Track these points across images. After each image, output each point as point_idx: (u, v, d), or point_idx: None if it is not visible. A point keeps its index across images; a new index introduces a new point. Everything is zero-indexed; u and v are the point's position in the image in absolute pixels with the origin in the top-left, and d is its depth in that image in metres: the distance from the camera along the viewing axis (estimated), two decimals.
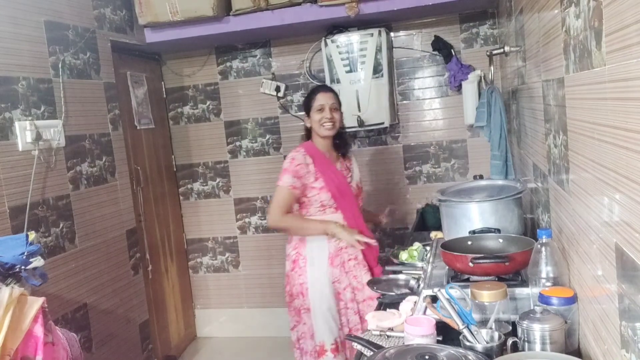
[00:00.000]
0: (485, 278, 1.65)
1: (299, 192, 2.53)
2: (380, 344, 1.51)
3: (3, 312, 1.34)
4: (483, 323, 1.42)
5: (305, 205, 2.60)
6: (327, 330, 2.56)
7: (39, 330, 1.41)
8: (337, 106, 2.63)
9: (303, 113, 2.75)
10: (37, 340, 1.40)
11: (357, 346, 1.48)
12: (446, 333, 1.45)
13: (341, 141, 2.72)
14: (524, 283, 1.57)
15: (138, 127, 3.75)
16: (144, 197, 3.74)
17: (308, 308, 2.58)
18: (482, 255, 1.62)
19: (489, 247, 1.82)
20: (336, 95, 2.66)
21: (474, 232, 1.93)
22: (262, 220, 4.14)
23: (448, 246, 1.78)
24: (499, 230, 1.92)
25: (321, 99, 2.58)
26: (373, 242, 2.58)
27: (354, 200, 2.66)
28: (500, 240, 1.82)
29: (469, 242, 1.85)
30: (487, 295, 1.41)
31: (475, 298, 1.43)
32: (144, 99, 3.86)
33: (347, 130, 3.71)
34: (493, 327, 1.37)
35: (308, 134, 2.71)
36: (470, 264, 1.59)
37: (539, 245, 1.45)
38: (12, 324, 1.36)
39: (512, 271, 1.62)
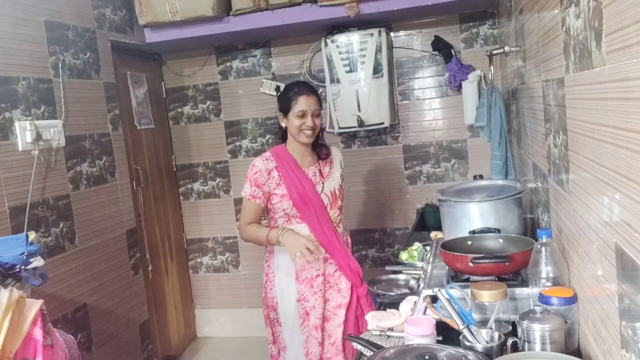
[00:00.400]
0: (486, 278, 1.65)
1: (260, 201, 2.37)
2: (380, 344, 1.51)
3: (2, 315, 1.34)
4: (483, 323, 1.42)
5: (272, 214, 2.44)
6: (296, 348, 2.40)
7: (38, 333, 1.41)
8: (319, 111, 2.38)
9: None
10: (36, 343, 1.40)
11: (357, 346, 1.48)
12: (446, 333, 1.45)
13: (317, 144, 2.47)
14: (524, 283, 1.57)
15: (138, 127, 3.75)
16: (144, 197, 3.74)
17: (280, 322, 2.43)
18: (482, 255, 1.62)
19: (489, 247, 1.82)
20: (319, 98, 2.41)
21: (474, 232, 1.93)
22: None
23: (448, 246, 1.78)
24: (499, 231, 1.92)
25: (303, 104, 2.33)
26: (320, 253, 2.32)
27: (322, 209, 2.39)
28: (500, 241, 1.83)
29: (469, 242, 1.85)
30: (487, 295, 1.41)
31: (475, 298, 1.43)
32: (144, 99, 3.86)
33: (347, 130, 3.72)
34: (493, 327, 1.37)
35: (284, 133, 2.47)
36: (470, 264, 1.59)
37: (539, 245, 1.45)
38: (11, 327, 1.35)
39: (512, 271, 1.62)
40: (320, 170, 2.46)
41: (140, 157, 3.74)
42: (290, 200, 2.35)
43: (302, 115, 2.33)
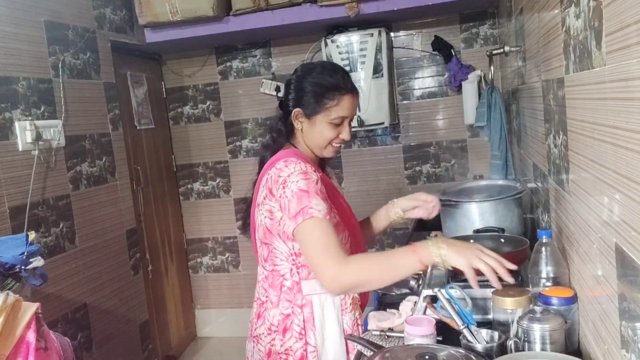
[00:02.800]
0: (486, 278, 1.65)
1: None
2: (380, 344, 1.51)
3: None
4: (504, 327, 1.39)
5: (282, 258, 1.56)
6: None
7: (31, 336, 1.41)
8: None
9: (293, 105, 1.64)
10: (29, 346, 1.40)
11: (357, 346, 1.48)
12: (446, 333, 1.45)
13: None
14: (523, 282, 1.58)
15: (138, 127, 3.75)
16: (144, 197, 3.74)
17: None
18: None
19: (489, 247, 1.81)
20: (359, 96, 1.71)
21: (477, 231, 1.94)
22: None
23: None
24: (502, 230, 1.93)
25: (347, 107, 1.58)
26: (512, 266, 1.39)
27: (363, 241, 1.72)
28: (502, 240, 1.83)
29: (471, 241, 1.86)
30: (510, 302, 1.39)
31: (497, 305, 1.42)
32: (144, 99, 3.86)
33: None
34: (517, 334, 1.32)
35: (287, 132, 1.64)
36: None
37: (539, 246, 1.45)
38: (4, 330, 1.36)
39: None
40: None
41: (140, 157, 3.74)
42: (346, 230, 1.60)
43: (341, 122, 1.58)
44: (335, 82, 1.57)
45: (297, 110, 1.58)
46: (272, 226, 1.51)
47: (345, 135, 1.59)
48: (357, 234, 1.65)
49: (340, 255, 1.38)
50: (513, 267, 1.36)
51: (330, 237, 1.40)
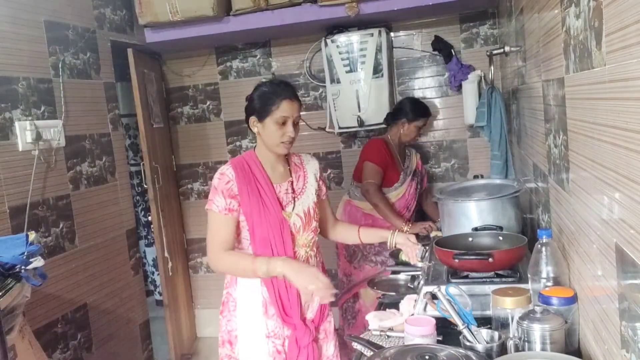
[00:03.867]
0: (486, 275, 1.66)
1: (237, 215, 1.93)
2: (380, 344, 1.51)
3: None
4: (503, 326, 1.40)
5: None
6: None
7: None
8: (299, 117, 1.99)
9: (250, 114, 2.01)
10: None
11: (357, 346, 1.48)
12: (446, 333, 1.45)
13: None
14: (522, 280, 1.59)
15: (154, 126, 3.77)
16: (161, 196, 3.78)
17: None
18: (464, 252, 1.66)
19: (488, 244, 1.83)
20: (300, 102, 2.00)
21: (476, 229, 1.95)
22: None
23: (446, 243, 1.80)
24: (501, 228, 1.93)
25: (286, 109, 1.92)
26: (333, 293, 1.80)
27: (287, 235, 1.95)
28: (501, 238, 1.84)
29: (470, 239, 1.87)
30: (509, 302, 1.40)
31: (497, 304, 1.42)
32: (155, 97, 3.86)
33: (348, 130, 3.72)
34: (516, 334, 1.33)
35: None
36: (455, 260, 1.64)
37: (539, 245, 1.46)
38: None
39: (497, 268, 1.65)
40: (292, 185, 2.06)
41: (154, 155, 3.75)
42: (247, 228, 1.95)
43: (284, 122, 1.92)
44: (274, 90, 1.96)
45: (252, 117, 1.98)
46: None
47: (289, 132, 1.93)
48: (278, 224, 1.95)
49: (218, 249, 1.90)
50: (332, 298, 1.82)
51: (219, 229, 1.92)
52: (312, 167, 2.17)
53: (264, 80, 2.15)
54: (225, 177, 1.92)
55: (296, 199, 2.02)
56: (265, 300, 1.95)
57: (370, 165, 3.09)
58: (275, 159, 2.03)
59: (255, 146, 2.06)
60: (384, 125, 3.54)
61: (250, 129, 2.02)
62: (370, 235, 2.23)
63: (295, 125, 1.96)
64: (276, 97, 1.94)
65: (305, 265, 1.90)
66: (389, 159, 3.14)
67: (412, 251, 2.06)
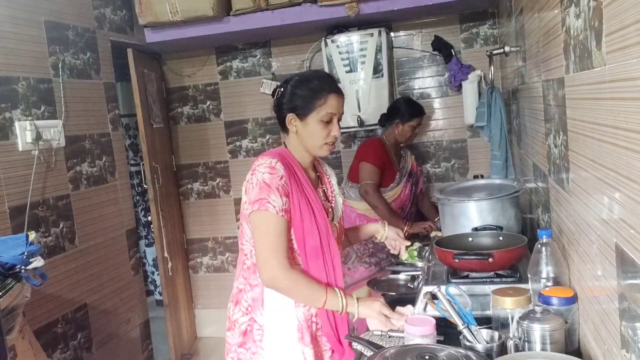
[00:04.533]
0: (485, 275, 1.66)
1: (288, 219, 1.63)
2: (381, 344, 1.51)
3: None
4: (503, 326, 1.40)
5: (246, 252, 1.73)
6: None
7: None
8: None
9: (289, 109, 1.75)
10: None
11: (357, 346, 1.48)
12: (446, 333, 1.45)
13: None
14: (522, 280, 1.59)
15: (154, 125, 3.77)
16: (161, 196, 3.77)
17: None
18: (464, 252, 1.66)
19: (488, 244, 1.83)
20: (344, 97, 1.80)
21: (476, 229, 1.95)
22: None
23: (447, 242, 1.80)
24: (501, 228, 1.93)
25: (334, 104, 1.70)
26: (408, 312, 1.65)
27: (334, 246, 1.73)
28: (501, 238, 1.84)
29: (470, 239, 1.87)
30: (509, 302, 1.40)
31: (497, 304, 1.42)
32: (155, 97, 3.86)
33: (348, 130, 3.72)
34: (516, 334, 1.33)
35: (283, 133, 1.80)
36: (455, 260, 1.64)
37: (539, 245, 1.46)
38: None
39: (497, 268, 1.65)
40: (324, 191, 1.85)
41: (153, 155, 3.75)
42: (294, 237, 1.66)
43: (330, 119, 1.70)
44: (321, 84, 1.72)
45: (290, 115, 1.72)
46: (243, 207, 1.68)
47: (335, 131, 1.71)
48: (326, 232, 1.70)
49: (284, 261, 1.58)
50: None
51: (280, 237, 1.58)
52: (332, 174, 1.95)
53: (298, 72, 2.01)
54: (277, 171, 1.61)
55: (332, 207, 1.83)
56: (300, 324, 1.66)
57: (367, 165, 3.07)
58: (309, 163, 1.79)
59: (285, 144, 1.79)
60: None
61: (284, 127, 1.76)
62: (355, 236, 2.08)
63: (338, 122, 1.75)
64: (323, 90, 1.69)
65: (378, 305, 1.63)
66: (386, 159, 3.13)
67: (403, 247, 1.98)
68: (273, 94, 1.81)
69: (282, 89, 1.76)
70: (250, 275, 1.71)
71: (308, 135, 1.71)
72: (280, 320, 1.67)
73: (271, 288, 1.62)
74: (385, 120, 3.26)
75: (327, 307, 1.62)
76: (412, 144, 3.84)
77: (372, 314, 1.62)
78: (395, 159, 3.22)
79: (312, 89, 1.70)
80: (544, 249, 1.45)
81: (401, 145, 3.30)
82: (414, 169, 3.33)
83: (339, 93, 1.73)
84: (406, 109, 3.18)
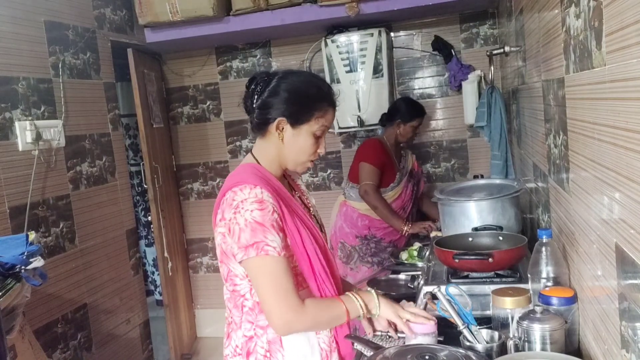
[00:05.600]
0: (485, 275, 1.66)
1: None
2: (381, 344, 1.51)
3: None
4: (503, 326, 1.40)
5: (239, 289, 1.47)
6: None
7: None
8: None
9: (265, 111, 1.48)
10: None
11: (357, 346, 1.48)
12: (447, 333, 1.45)
13: None
14: (522, 280, 1.60)
15: (154, 125, 3.77)
16: (161, 196, 3.77)
17: None
18: (464, 252, 1.66)
19: (488, 244, 1.83)
20: None
21: (476, 229, 1.95)
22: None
23: (446, 242, 1.80)
24: (501, 228, 1.94)
25: (330, 119, 1.51)
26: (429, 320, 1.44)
27: (331, 260, 1.57)
28: (500, 238, 1.84)
29: (470, 239, 1.87)
30: (509, 302, 1.40)
31: (497, 304, 1.42)
32: (155, 97, 3.86)
33: (348, 130, 3.73)
34: (516, 334, 1.32)
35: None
36: (455, 260, 1.64)
37: (539, 246, 1.46)
38: None
39: (497, 268, 1.66)
40: (300, 197, 1.64)
41: (154, 155, 3.75)
42: (310, 257, 1.47)
43: (321, 134, 1.50)
44: (325, 93, 1.50)
45: (281, 119, 1.46)
46: (226, 247, 1.43)
47: (322, 149, 1.52)
48: (324, 252, 1.52)
49: (296, 301, 1.35)
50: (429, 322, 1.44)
51: (285, 279, 1.35)
52: (293, 173, 1.67)
53: (292, 69, 1.71)
54: (267, 205, 1.37)
55: (314, 212, 1.64)
56: (325, 352, 1.50)
57: (367, 166, 3.07)
58: (280, 173, 1.56)
59: (253, 155, 1.54)
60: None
61: (262, 131, 1.50)
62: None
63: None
64: (325, 101, 1.48)
65: (400, 310, 1.47)
66: (386, 159, 3.13)
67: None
68: (249, 84, 1.51)
69: (271, 84, 1.48)
70: (256, 316, 1.46)
71: (295, 148, 1.48)
72: (305, 355, 1.47)
73: (288, 334, 1.42)
74: (387, 120, 3.25)
75: (351, 317, 1.43)
76: (412, 143, 3.84)
77: (393, 316, 1.44)
78: (395, 158, 3.22)
79: (314, 96, 1.47)
80: (543, 249, 1.45)
81: (401, 145, 3.30)
82: (415, 168, 3.33)
83: (335, 108, 1.53)
84: (407, 109, 3.18)
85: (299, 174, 1.63)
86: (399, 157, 3.27)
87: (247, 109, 1.53)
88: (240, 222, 1.35)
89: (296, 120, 1.46)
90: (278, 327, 1.38)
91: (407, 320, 1.43)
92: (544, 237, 1.45)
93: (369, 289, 1.53)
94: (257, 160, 1.52)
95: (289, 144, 1.48)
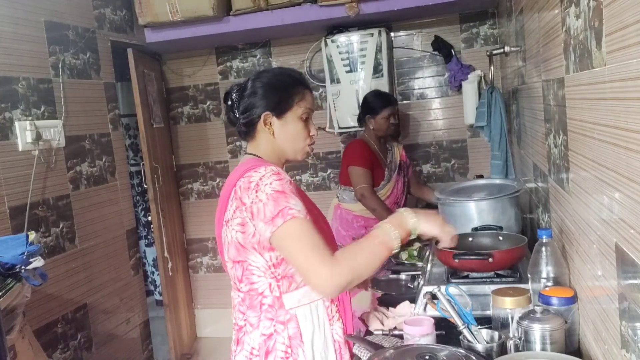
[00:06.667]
0: (485, 275, 1.66)
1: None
2: (380, 344, 1.51)
3: None
4: (503, 326, 1.40)
5: (265, 276, 1.46)
6: None
7: None
8: None
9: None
10: None
11: (357, 346, 1.48)
12: (446, 333, 1.45)
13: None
14: (522, 280, 1.60)
15: (154, 125, 3.77)
16: (161, 196, 3.77)
17: None
18: (464, 252, 1.66)
19: (488, 244, 1.83)
20: None
21: (476, 229, 1.95)
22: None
23: None
24: (501, 228, 1.94)
25: (310, 100, 1.56)
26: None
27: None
28: (500, 238, 1.84)
29: (470, 239, 1.87)
30: (509, 302, 1.40)
31: (497, 304, 1.42)
32: (155, 97, 3.86)
33: (347, 130, 3.73)
34: (516, 334, 1.33)
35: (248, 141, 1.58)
36: (455, 260, 1.64)
37: (539, 246, 1.46)
38: None
39: (497, 268, 1.66)
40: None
41: (154, 155, 3.75)
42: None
43: (307, 117, 1.55)
44: (296, 78, 1.57)
45: (266, 113, 1.50)
46: (245, 240, 1.42)
47: (313, 130, 1.56)
48: (329, 239, 1.54)
49: (329, 255, 1.33)
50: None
51: (315, 237, 1.35)
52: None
53: (264, 68, 1.81)
54: (283, 176, 1.42)
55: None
56: (338, 342, 1.51)
57: (356, 169, 3.01)
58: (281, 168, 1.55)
59: (248, 155, 1.55)
60: None
61: (251, 132, 1.54)
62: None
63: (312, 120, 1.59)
64: (299, 85, 1.54)
65: (440, 220, 1.46)
66: (372, 158, 3.06)
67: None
68: (226, 99, 1.58)
69: (247, 89, 1.54)
70: (276, 312, 1.45)
71: (288, 137, 1.52)
72: (320, 349, 1.47)
73: (335, 292, 1.36)
74: (361, 119, 3.18)
75: (388, 246, 1.37)
76: (413, 143, 3.84)
77: (435, 229, 1.41)
78: (381, 154, 3.16)
79: (288, 84, 1.53)
80: (543, 249, 1.45)
81: (383, 139, 3.18)
82: (403, 159, 3.26)
83: (311, 90, 1.59)
84: (374, 102, 3.08)
85: (300, 161, 1.63)
86: (385, 152, 3.19)
87: (231, 121, 1.59)
88: (263, 198, 1.36)
89: (280, 110, 1.50)
90: (321, 286, 1.34)
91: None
92: (544, 237, 1.45)
93: (399, 209, 1.47)
94: (257, 157, 1.54)
95: (280, 135, 1.52)
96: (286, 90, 1.52)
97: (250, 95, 1.52)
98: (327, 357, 1.48)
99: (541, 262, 1.45)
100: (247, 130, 1.54)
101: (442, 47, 3.64)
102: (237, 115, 1.54)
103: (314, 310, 1.48)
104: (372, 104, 3.09)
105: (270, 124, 1.51)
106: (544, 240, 1.45)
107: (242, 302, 1.52)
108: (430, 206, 3.14)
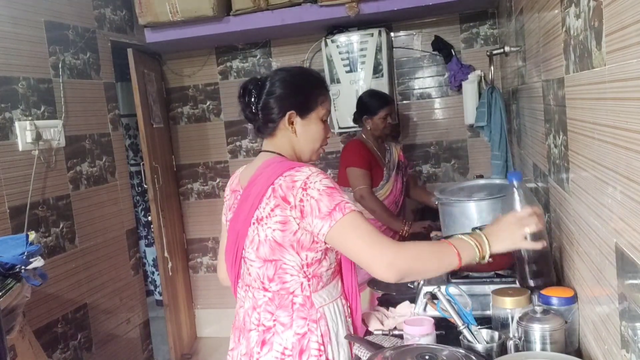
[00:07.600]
0: (485, 275, 1.66)
1: None
2: (381, 344, 1.51)
3: None
4: (503, 326, 1.40)
5: (299, 276, 1.46)
6: None
7: None
8: None
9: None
10: None
11: (357, 346, 1.48)
12: (446, 333, 1.45)
13: None
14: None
15: (154, 125, 3.77)
16: (160, 196, 3.77)
17: None
18: None
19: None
20: None
21: (476, 228, 1.95)
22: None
23: None
24: None
25: (329, 102, 1.59)
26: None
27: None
28: None
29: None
30: (509, 302, 1.40)
31: (497, 304, 1.42)
32: (155, 97, 3.87)
33: (347, 130, 3.73)
34: (516, 334, 1.33)
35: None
36: None
37: (512, 189, 1.45)
38: None
39: (497, 268, 1.67)
40: None
41: (154, 155, 3.75)
42: None
43: (326, 118, 1.57)
44: (319, 78, 1.59)
45: (292, 112, 1.50)
46: (284, 238, 1.41)
47: (329, 133, 1.59)
48: None
49: (389, 240, 1.33)
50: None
51: (371, 227, 1.36)
52: None
53: (283, 66, 1.79)
54: (328, 176, 1.44)
55: None
56: (347, 320, 1.56)
57: (355, 170, 2.98)
58: None
59: (268, 153, 1.54)
60: None
61: (272, 129, 1.53)
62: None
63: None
64: (322, 87, 1.55)
65: (521, 232, 1.37)
66: (371, 158, 3.03)
67: None
68: (244, 95, 1.54)
69: (266, 86, 1.52)
70: (308, 310, 1.46)
71: (309, 137, 1.52)
72: (345, 342, 1.51)
73: (397, 276, 1.31)
74: (357, 119, 3.16)
75: (463, 259, 1.33)
76: (413, 143, 3.85)
77: (517, 241, 1.37)
78: (379, 154, 3.14)
79: (314, 85, 1.54)
80: (516, 192, 1.44)
81: (381, 139, 3.15)
82: (401, 159, 3.25)
83: (329, 91, 1.61)
84: (371, 102, 3.05)
85: (314, 162, 1.61)
86: (383, 152, 3.17)
87: (248, 118, 1.57)
88: (315, 195, 1.36)
89: (305, 110, 1.51)
90: (384, 269, 1.31)
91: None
92: (514, 180, 1.44)
93: (478, 233, 1.40)
94: (280, 155, 1.53)
95: (302, 135, 1.52)
96: (312, 91, 1.52)
97: (271, 94, 1.51)
98: (348, 352, 1.51)
99: (515, 205, 1.43)
100: (267, 128, 1.53)
101: (442, 47, 3.64)
102: (255, 112, 1.53)
103: (338, 308, 1.51)
104: (370, 103, 3.08)
105: (293, 123, 1.51)
106: (515, 184, 1.44)
107: (269, 302, 1.49)
108: (428, 209, 3.14)
